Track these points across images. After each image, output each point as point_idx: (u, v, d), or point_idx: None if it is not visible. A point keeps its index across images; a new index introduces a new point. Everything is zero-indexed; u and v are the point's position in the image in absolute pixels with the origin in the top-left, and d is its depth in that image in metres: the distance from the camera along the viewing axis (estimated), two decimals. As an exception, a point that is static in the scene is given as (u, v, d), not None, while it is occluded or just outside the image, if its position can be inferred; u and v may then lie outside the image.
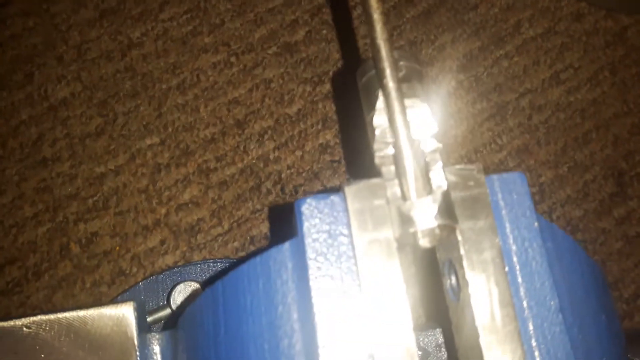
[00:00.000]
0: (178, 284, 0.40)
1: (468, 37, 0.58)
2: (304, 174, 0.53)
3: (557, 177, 0.55)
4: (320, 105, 0.55)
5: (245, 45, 0.56)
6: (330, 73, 0.56)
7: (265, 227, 0.52)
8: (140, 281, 0.46)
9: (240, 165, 0.53)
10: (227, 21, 0.56)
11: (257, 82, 0.55)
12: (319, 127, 0.54)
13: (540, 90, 0.57)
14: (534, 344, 0.22)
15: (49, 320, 0.28)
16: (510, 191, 0.24)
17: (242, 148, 0.53)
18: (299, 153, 0.54)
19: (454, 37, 0.58)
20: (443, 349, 0.32)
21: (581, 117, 0.57)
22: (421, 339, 0.32)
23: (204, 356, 0.25)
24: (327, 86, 0.55)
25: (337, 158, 0.54)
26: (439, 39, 0.58)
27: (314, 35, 0.57)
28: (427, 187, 0.22)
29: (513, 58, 0.58)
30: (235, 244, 0.51)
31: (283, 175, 0.53)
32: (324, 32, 0.57)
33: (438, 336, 0.32)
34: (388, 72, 0.21)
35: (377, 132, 0.22)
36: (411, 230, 0.22)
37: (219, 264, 0.47)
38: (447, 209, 0.22)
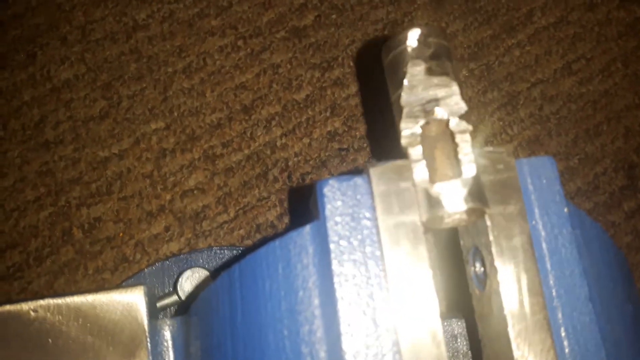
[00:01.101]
0: (185, 270, 0.39)
1: (479, 25, 0.57)
2: (311, 162, 0.52)
3: (568, 169, 0.54)
4: (329, 92, 0.54)
5: (253, 29, 0.55)
6: (340, 59, 0.55)
7: (271, 215, 0.51)
8: (145, 267, 0.45)
9: (246, 151, 0.52)
10: (234, 4, 0.55)
11: (265, 66, 0.54)
12: (328, 114, 0.53)
13: (552, 80, 0.56)
14: (563, 333, 0.21)
15: (57, 304, 0.28)
16: (540, 175, 0.23)
17: (248, 134, 0.52)
18: (306, 140, 0.53)
19: (465, 25, 0.57)
20: (459, 340, 0.31)
21: (592, 108, 0.56)
22: (437, 328, 0.31)
23: (219, 342, 0.24)
24: (336, 72, 0.54)
25: (345, 146, 0.53)
26: (450, 27, 0.57)
27: (323, 19, 0.56)
28: (456, 169, 0.21)
29: (525, 47, 0.57)
30: (241, 231, 0.50)
31: (290, 163, 0.52)
32: (334, 16, 0.56)
33: (454, 326, 0.31)
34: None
35: (405, 111, 0.21)
36: (439, 214, 0.21)
37: (225, 251, 0.46)
38: (478, 192, 0.21)
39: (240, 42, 0.54)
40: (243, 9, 0.55)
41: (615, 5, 0.59)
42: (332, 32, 0.55)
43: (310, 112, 0.53)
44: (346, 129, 0.53)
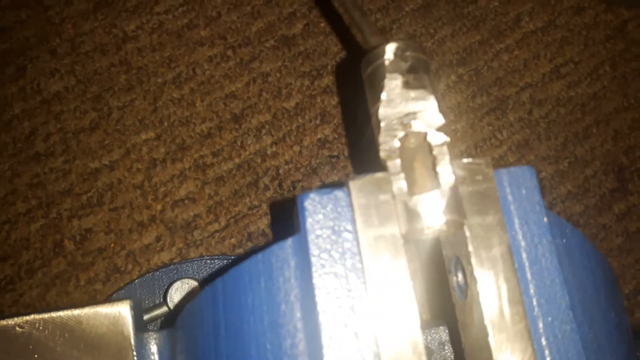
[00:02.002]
0: (175, 281, 0.39)
1: (468, 30, 0.57)
2: (302, 170, 0.52)
3: (558, 172, 0.54)
4: (318, 100, 0.54)
5: (242, 39, 0.55)
6: (329, 67, 0.55)
7: (262, 224, 0.51)
8: (136, 278, 0.45)
9: (237, 160, 0.52)
10: (223, 14, 0.55)
11: (254, 75, 0.54)
12: (318, 121, 0.53)
13: (541, 84, 0.56)
14: (544, 342, 0.22)
15: (43, 319, 0.28)
16: (519, 185, 0.23)
17: (239, 143, 0.52)
18: (297, 148, 0.53)
19: (453, 30, 0.57)
20: (447, 347, 0.31)
21: (581, 111, 0.56)
22: (424, 337, 0.31)
23: (203, 356, 0.24)
24: (326, 80, 0.54)
25: (335, 153, 0.53)
26: (439, 33, 0.57)
27: (312, 28, 0.56)
28: (435, 181, 0.22)
29: (513, 52, 0.57)
30: (233, 240, 0.50)
31: (281, 171, 0.52)
32: (322, 25, 0.56)
33: (441, 334, 0.31)
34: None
35: (382, 125, 0.22)
36: (418, 226, 0.21)
37: (216, 260, 0.46)
38: (456, 204, 0.21)
39: (229, 52, 0.54)
40: (232, 19, 0.55)
41: (603, 8, 0.59)
42: (320, 41, 0.55)
43: (300, 120, 0.53)
44: (336, 136, 0.53)
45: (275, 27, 0.56)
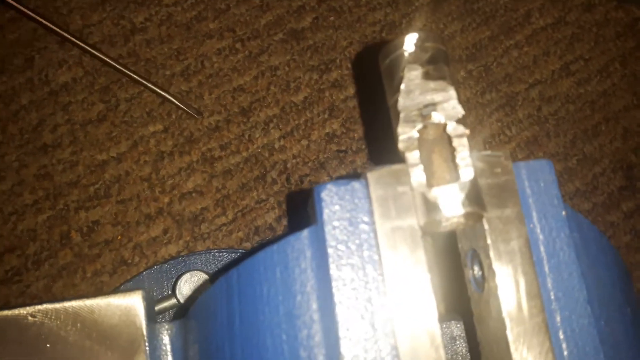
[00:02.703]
0: (184, 273, 0.39)
1: (477, 26, 0.57)
2: (309, 164, 0.52)
3: (566, 170, 0.54)
4: (327, 94, 0.54)
5: (251, 32, 0.55)
6: (338, 60, 0.55)
7: (270, 217, 0.51)
8: (144, 270, 0.45)
9: (245, 154, 0.52)
10: (232, 6, 0.55)
11: (263, 69, 0.54)
12: (326, 115, 0.53)
13: (550, 81, 0.56)
14: (561, 336, 0.21)
15: (55, 309, 0.28)
16: (537, 179, 0.23)
17: (247, 136, 0.52)
18: (304, 142, 0.53)
19: (463, 26, 0.57)
20: (458, 342, 0.31)
21: (591, 109, 0.56)
22: (435, 331, 0.31)
23: (217, 346, 0.24)
24: (334, 74, 0.54)
25: (343, 148, 0.53)
26: (449, 28, 0.57)
27: (321, 21, 0.56)
28: (454, 173, 0.21)
29: (523, 48, 0.57)
30: (240, 234, 0.50)
31: (289, 165, 0.52)
32: (331, 18, 0.56)
33: (453, 328, 0.31)
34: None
35: (401, 115, 0.21)
36: (437, 218, 0.21)
37: (223, 254, 0.46)
38: (475, 196, 0.21)
39: (238, 45, 0.54)
40: (241, 11, 0.55)
41: (613, 5, 0.59)
42: (330, 34, 0.55)
43: (308, 114, 0.53)
44: (344, 131, 0.53)
45: (284, 21, 0.55)
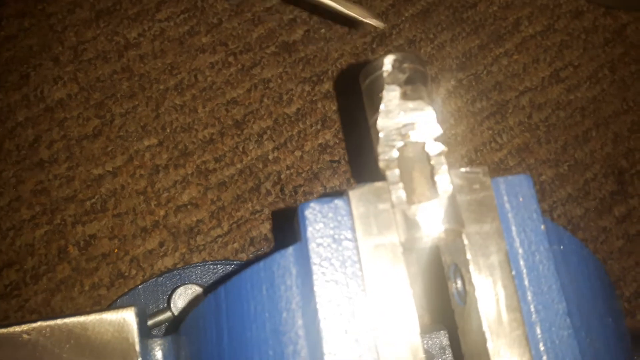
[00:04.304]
0: (178, 286, 0.40)
1: (467, 35, 0.58)
2: (303, 175, 0.53)
3: (558, 176, 0.55)
4: (319, 105, 0.54)
5: (243, 45, 0.55)
6: (329, 72, 0.55)
7: (265, 228, 0.51)
8: (140, 284, 0.45)
9: (239, 165, 0.52)
10: (224, 20, 0.56)
11: (256, 82, 0.55)
12: (319, 126, 0.54)
13: (540, 88, 0.57)
14: (542, 348, 0.22)
15: (49, 326, 0.28)
16: (517, 194, 0.24)
17: (241, 148, 0.53)
18: (298, 153, 0.53)
19: (453, 35, 0.58)
20: (447, 352, 0.31)
21: (581, 115, 0.56)
22: (425, 341, 0.32)
23: (207, 363, 0.24)
24: (326, 85, 0.55)
25: (336, 158, 0.53)
26: (438, 38, 0.57)
27: (313, 34, 0.56)
28: (433, 190, 0.22)
29: (513, 56, 0.57)
30: (235, 245, 0.51)
31: (282, 176, 0.52)
32: (323, 31, 0.56)
33: (442, 339, 0.31)
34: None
35: (381, 135, 0.22)
36: (417, 234, 0.21)
37: (219, 266, 0.46)
38: (454, 213, 0.22)
39: (230, 58, 0.55)
40: (233, 25, 0.56)
41: (602, 12, 0.60)
42: (321, 47, 0.56)
43: (301, 126, 0.54)
44: (337, 141, 0.54)
45: (275, 34, 0.56)
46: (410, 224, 0.22)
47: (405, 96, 0.22)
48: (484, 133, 0.55)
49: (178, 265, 0.49)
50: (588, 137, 0.56)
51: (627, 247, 0.53)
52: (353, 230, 0.22)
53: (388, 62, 0.22)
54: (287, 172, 0.53)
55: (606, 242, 0.54)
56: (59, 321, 0.28)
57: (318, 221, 0.23)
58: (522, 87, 0.57)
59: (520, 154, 0.55)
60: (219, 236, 0.51)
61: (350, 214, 0.22)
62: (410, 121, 0.22)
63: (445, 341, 0.32)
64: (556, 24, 0.59)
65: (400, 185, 0.22)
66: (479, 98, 0.56)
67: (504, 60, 0.57)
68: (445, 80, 0.56)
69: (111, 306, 0.47)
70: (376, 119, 0.22)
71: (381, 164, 0.22)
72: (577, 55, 0.58)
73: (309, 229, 0.22)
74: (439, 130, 0.22)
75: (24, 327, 0.28)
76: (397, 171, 0.22)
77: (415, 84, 0.22)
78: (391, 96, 0.22)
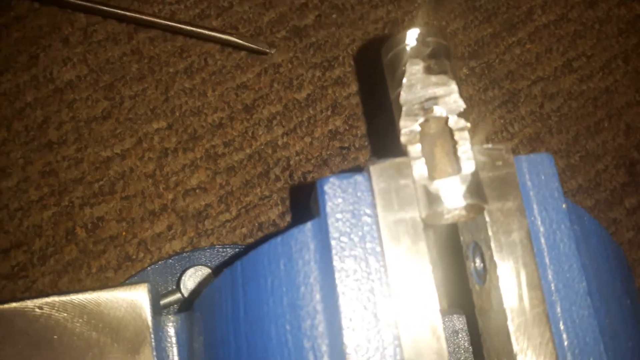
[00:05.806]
0: (188, 268, 0.39)
1: (480, 23, 0.57)
2: (312, 161, 0.52)
3: (569, 167, 0.54)
4: (329, 91, 0.54)
5: (254, 29, 0.55)
6: (340, 58, 0.55)
7: (273, 214, 0.51)
8: (149, 266, 0.45)
9: (248, 150, 0.52)
10: (235, 4, 0.56)
11: (266, 66, 0.54)
12: (329, 113, 0.54)
13: (553, 78, 0.56)
14: (562, 327, 0.22)
15: (62, 301, 0.28)
16: (538, 172, 0.23)
17: (250, 133, 0.52)
18: (308, 139, 0.53)
19: (465, 23, 0.57)
20: (460, 335, 0.31)
21: (593, 105, 0.56)
22: (438, 324, 0.31)
23: (222, 338, 0.24)
24: (337, 71, 0.54)
25: (346, 145, 0.53)
26: (451, 26, 0.57)
27: (324, 19, 0.56)
28: (455, 166, 0.22)
29: (525, 45, 0.57)
30: (243, 230, 0.50)
31: (292, 162, 0.52)
32: (334, 16, 0.56)
33: (455, 322, 0.31)
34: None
35: (403, 109, 0.22)
36: (439, 210, 0.21)
37: (227, 249, 0.46)
38: (476, 189, 0.21)
39: (241, 42, 0.54)
40: (244, 9, 0.55)
41: (616, 2, 0.59)
42: (332, 32, 0.55)
43: (311, 111, 0.54)
44: (347, 128, 0.53)
45: (287, 18, 0.56)
46: (432, 200, 0.21)
47: (428, 70, 0.21)
48: (495, 122, 0.55)
49: (186, 249, 0.49)
50: (600, 127, 0.55)
51: (637, 238, 0.53)
52: (373, 206, 0.22)
53: (412, 36, 0.22)
54: (297, 158, 0.52)
55: (616, 233, 0.53)
56: (72, 296, 0.28)
57: (337, 196, 0.22)
58: (534, 77, 0.56)
59: (531, 143, 0.54)
60: (227, 221, 0.51)
61: (371, 189, 0.22)
62: (433, 95, 0.22)
63: (458, 325, 0.31)
64: (570, 13, 0.58)
65: (422, 160, 0.22)
66: (491, 86, 0.55)
67: (517, 49, 0.57)
68: (457, 68, 0.56)
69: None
70: (399, 93, 0.22)
71: (403, 139, 0.22)
72: (590, 45, 0.58)
73: (329, 204, 0.22)
74: (462, 105, 0.22)
75: (37, 301, 0.28)
76: (419, 146, 0.22)
77: (439, 58, 0.22)
78: (414, 70, 0.22)
